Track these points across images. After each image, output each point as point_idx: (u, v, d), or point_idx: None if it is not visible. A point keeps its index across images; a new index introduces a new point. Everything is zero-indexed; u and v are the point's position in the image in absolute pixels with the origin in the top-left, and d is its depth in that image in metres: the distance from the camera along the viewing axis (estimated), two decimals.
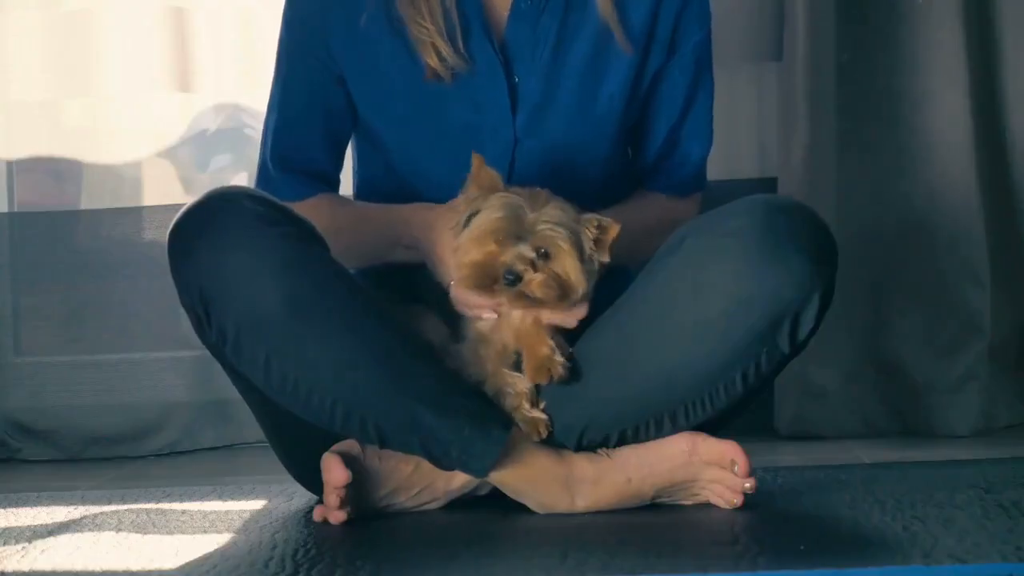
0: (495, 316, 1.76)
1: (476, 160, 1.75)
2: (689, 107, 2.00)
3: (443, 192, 1.85)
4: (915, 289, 2.55)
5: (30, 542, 1.74)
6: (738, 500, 1.77)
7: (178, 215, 1.75)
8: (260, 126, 2.03)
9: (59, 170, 2.80)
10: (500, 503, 1.80)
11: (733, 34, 2.58)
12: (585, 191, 1.87)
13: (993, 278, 2.53)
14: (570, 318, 1.77)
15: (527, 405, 1.76)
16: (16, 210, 2.79)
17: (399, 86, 1.92)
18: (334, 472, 1.72)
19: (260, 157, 2.01)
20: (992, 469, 1.98)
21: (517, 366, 1.77)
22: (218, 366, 1.80)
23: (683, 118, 2.00)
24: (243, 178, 2.79)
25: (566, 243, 1.71)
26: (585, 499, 1.78)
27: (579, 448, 1.79)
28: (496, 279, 1.71)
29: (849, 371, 2.55)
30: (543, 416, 1.76)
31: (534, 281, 1.71)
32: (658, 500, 1.80)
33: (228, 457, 2.64)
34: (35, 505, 2.03)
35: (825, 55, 2.52)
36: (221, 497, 2.03)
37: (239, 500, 1.99)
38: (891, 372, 2.56)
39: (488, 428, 1.74)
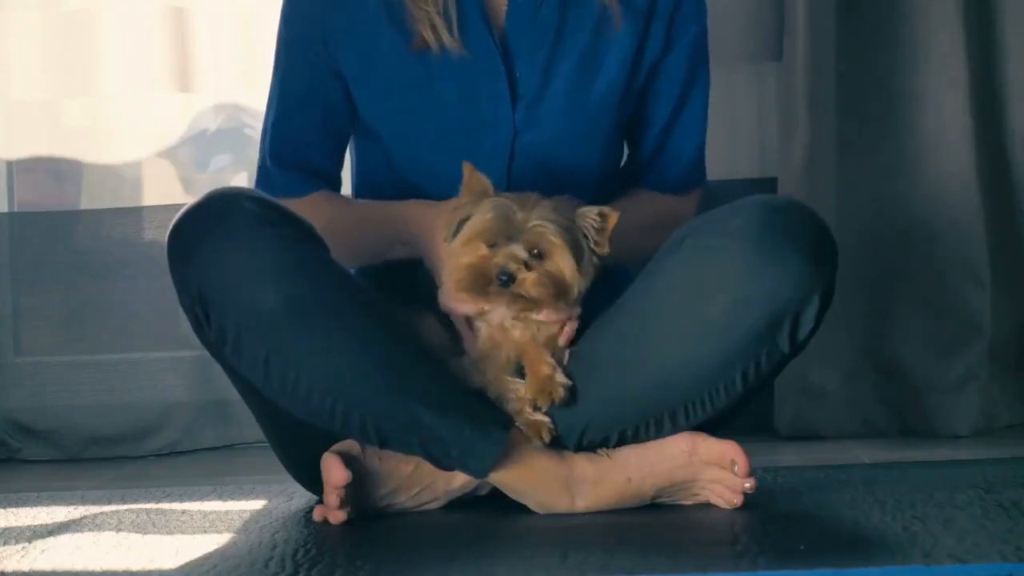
0: (484, 324, 1.76)
1: (467, 168, 1.76)
2: (684, 102, 1.99)
3: (444, 186, 1.85)
4: (915, 289, 2.55)
5: (30, 542, 1.74)
6: (738, 500, 1.76)
7: (177, 216, 1.75)
8: (260, 126, 2.03)
9: (59, 170, 2.80)
10: (500, 503, 1.80)
11: (732, 34, 2.58)
12: (582, 185, 1.88)
13: (993, 278, 2.53)
14: (566, 317, 1.77)
15: (530, 409, 1.76)
16: (16, 210, 2.79)
17: (398, 80, 1.92)
18: (334, 472, 1.72)
19: (259, 154, 2.01)
20: (992, 469, 1.98)
21: (519, 371, 1.77)
22: (218, 366, 1.80)
23: (678, 113, 1.99)
24: (243, 178, 2.79)
25: (558, 239, 1.71)
26: (585, 499, 1.78)
27: (579, 448, 1.79)
28: (490, 281, 1.71)
29: (849, 371, 2.55)
30: (546, 419, 1.76)
31: (528, 280, 1.71)
32: (658, 500, 1.80)
33: (228, 457, 2.64)
34: (35, 505, 2.03)
35: (825, 55, 2.52)
36: (221, 497, 2.03)
37: (239, 500, 1.99)
38: (891, 372, 2.56)
39: (488, 429, 1.74)
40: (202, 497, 2.04)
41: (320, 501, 1.78)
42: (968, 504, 1.71)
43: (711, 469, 1.77)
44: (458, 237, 1.74)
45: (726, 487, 1.77)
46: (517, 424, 1.76)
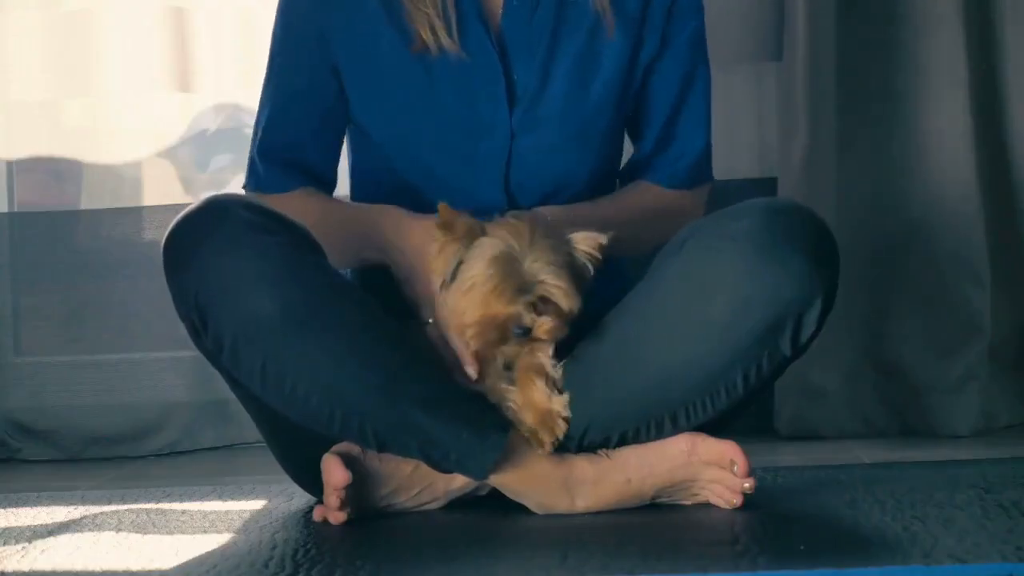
0: (475, 375, 1.76)
1: (443, 209, 1.72)
2: (685, 99, 1.99)
3: (441, 187, 1.85)
4: (915, 289, 2.55)
5: (30, 542, 1.74)
6: (738, 500, 1.76)
7: (173, 223, 1.74)
8: None
9: (59, 170, 2.80)
10: (500, 503, 1.80)
11: (732, 34, 2.58)
12: (578, 186, 1.88)
13: (993, 278, 2.53)
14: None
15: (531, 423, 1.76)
16: (16, 210, 2.79)
17: (397, 81, 1.91)
18: (334, 473, 1.72)
19: (250, 148, 2.00)
20: (992, 469, 1.98)
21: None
22: None
23: (679, 110, 1.99)
24: (243, 179, 2.78)
25: (563, 282, 1.70)
26: (585, 500, 1.78)
27: (579, 449, 1.79)
28: (505, 336, 1.71)
29: (849, 371, 2.55)
30: (563, 427, 1.76)
31: (543, 327, 1.71)
32: (658, 500, 1.80)
33: (228, 457, 2.64)
34: (35, 505, 2.03)
35: (825, 55, 2.52)
36: (221, 497, 2.03)
37: (239, 500, 1.99)
38: (891, 372, 2.56)
39: (486, 431, 1.74)
40: (202, 497, 2.04)
41: (320, 502, 1.78)
42: (968, 504, 1.71)
43: (711, 469, 1.77)
44: (457, 283, 1.73)
45: (726, 487, 1.77)
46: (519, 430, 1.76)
